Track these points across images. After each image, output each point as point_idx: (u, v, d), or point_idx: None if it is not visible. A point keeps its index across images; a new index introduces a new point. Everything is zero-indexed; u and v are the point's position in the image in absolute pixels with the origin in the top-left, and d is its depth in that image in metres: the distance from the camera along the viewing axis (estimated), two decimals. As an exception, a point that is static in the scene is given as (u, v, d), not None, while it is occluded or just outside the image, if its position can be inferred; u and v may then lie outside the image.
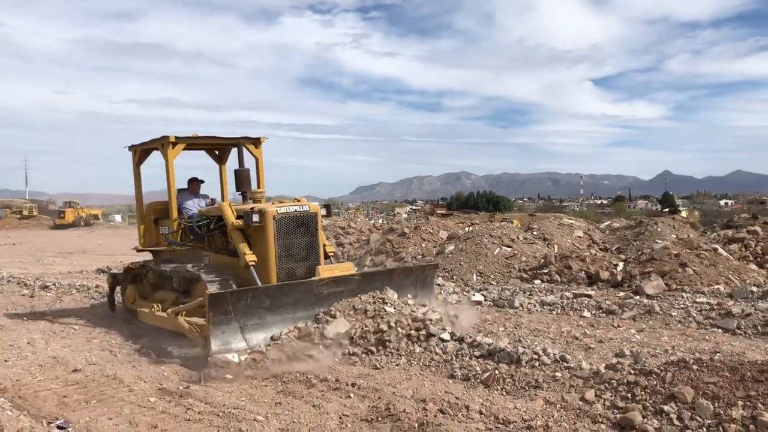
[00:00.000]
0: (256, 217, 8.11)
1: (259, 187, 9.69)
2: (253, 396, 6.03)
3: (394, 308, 7.83)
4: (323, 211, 8.98)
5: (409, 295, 8.52)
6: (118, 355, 7.97)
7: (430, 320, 7.66)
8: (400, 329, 7.43)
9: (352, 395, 5.96)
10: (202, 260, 9.04)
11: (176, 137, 9.45)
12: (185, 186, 10.39)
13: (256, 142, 10.26)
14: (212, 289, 7.84)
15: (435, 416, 5.31)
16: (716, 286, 11.72)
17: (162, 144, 9.61)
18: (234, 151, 10.40)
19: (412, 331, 7.46)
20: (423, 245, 20.08)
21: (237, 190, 9.38)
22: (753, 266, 13.55)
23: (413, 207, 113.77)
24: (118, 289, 11.18)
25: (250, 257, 8.12)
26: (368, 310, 7.73)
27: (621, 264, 13.82)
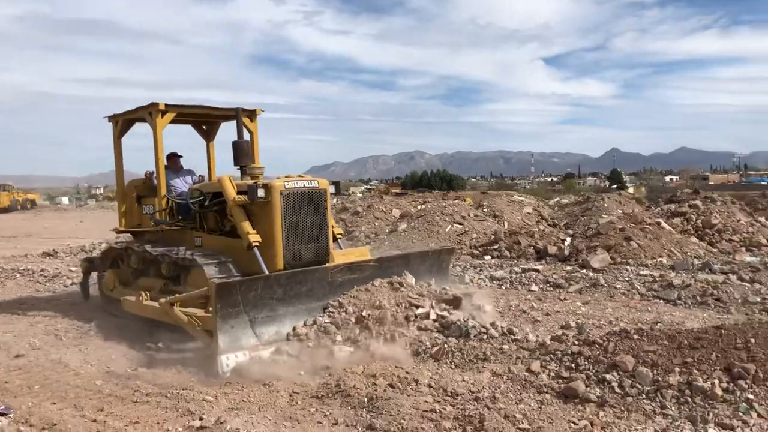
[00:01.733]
0: (261, 192, 7.32)
1: (255, 162, 8.74)
2: (200, 377, 5.98)
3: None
4: (332, 189, 8.16)
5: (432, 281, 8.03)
6: (64, 339, 7.79)
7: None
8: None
9: (302, 372, 5.98)
10: (193, 242, 8.31)
11: (167, 105, 8.53)
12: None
13: (252, 114, 9.45)
14: (211, 274, 7.20)
15: (385, 391, 5.36)
16: (659, 259, 12.11)
17: (150, 113, 8.63)
18: (222, 127, 10.03)
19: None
20: (376, 224, 20.17)
21: (235, 164, 8.55)
22: (694, 239, 14.03)
23: (368, 186, 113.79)
24: (93, 275, 10.20)
25: (254, 237, 7.30)
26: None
27: (568, 239, 14.13)
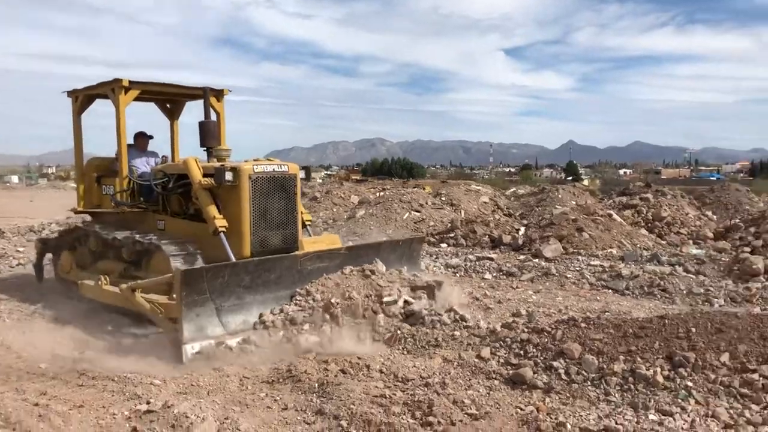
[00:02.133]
0: (229, 176, 7.05)
1: (221, 144, 8.40)
2: (149, 361, 5.90)
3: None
4: (302, 174, 7.93)
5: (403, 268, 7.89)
6: (8, 321, 7.59)
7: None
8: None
9: (255, 358, 5.94)
10: (156, 225, 8.03)
11: (130, 81, 8.19)
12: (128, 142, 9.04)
13: (219, 94, 9.11)
14: (176, 262, 6.93)
15: (336, 376, 5.38)
16: (609, 250, 12.39)
17: (113, 89, 8.26)
18: (187, 106, 9.74)
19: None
20: (334, 210, 20.15)
21: (202, 145, 8.21)
22: (644, 231, 14.40)
23: (328, 172, 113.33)
24: (48, 256, 9.83)
25: (221, 222, 7.07)
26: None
27: (523, 229, 14.34)
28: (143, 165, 8.77)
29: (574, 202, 18.10)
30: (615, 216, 14.32)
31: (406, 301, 7.10)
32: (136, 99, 8.56)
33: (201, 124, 8.18)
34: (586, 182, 50.79)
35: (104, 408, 4.68)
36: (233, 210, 7.18)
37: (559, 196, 19.41)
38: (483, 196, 20.91)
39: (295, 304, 6.65)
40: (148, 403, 4.68)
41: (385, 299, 6.99)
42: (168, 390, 5.13)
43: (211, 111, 8.52)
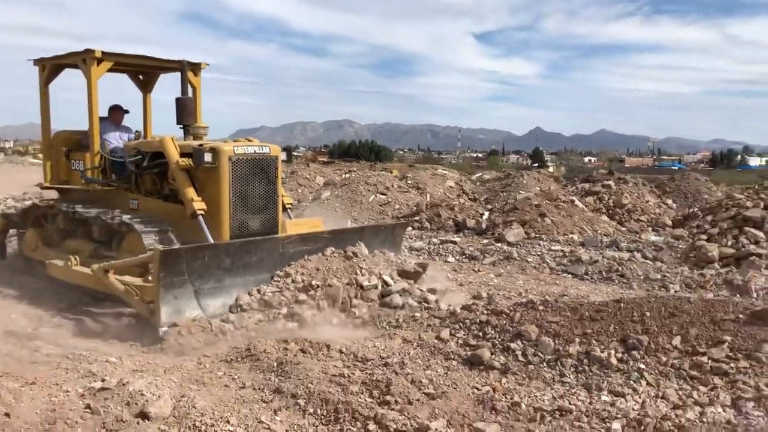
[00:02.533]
0: (208, 157, 6.79)
1: (198, 122, 8.06)
2: (105, 338, 5.82)
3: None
4: (283, 156, 7.70)
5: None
6: (-41, 298, 7.41)
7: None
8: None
9: (229, 342, 5.87)
10: (128, 205, 7.68)
11: (103, 52, 7.80)
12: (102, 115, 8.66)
13: (196, 68, 8.71)
14: (149, 241, 6.70)
15: (295, 356, 5.37)
16: (571, 235, 12.59)
17: (84, 60, 7.87)
18: (161, 79, 9.43)
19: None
20: (299, 191, 20.04)
21: (178, 123, 7.87)
22: (605, 217, 14.65)
23: (295, 153, 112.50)
24: (11, 233, 9.54)
25: (199, 205, 6.82)
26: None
27: (487, 213, 14.47)
28: (116, 140, 8.45)
29: (538, 188, 18.29)
30: (577, 202, 14.54)
31: (385, 283, 7.05)
32: (113, 69, 8.27)
33: (178, 101, 7.84)
34: (551, 169, 51.37)
35: (57, 385, 4.60)
36: (212, 192, 6.96)
37: (524, 181, 19.61)
38: (449, 180, 21.02)
39: (274, 286, 6.52)
40: (102, 380, 4.61)
41: (365, 284, 6.93)
42: (124, 368, 5.07)
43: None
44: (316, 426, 4.22)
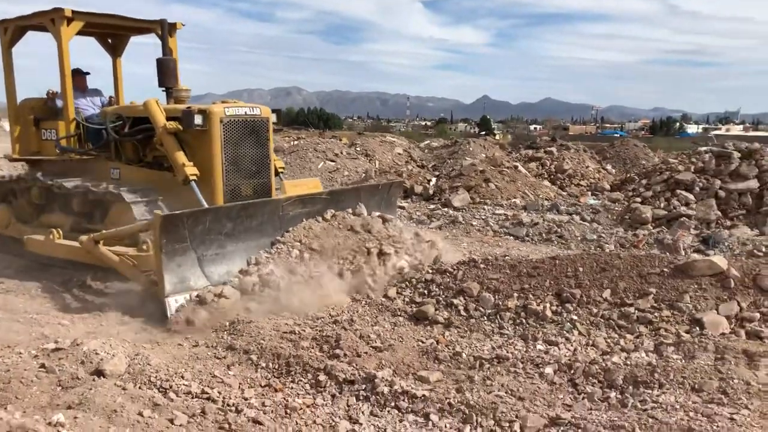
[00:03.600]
0: (198, 119, 6.50)
1: (179, 84, 7.60)
2: (57, 304, 5.86)
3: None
4: (273, 118, 7.38)
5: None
6: None
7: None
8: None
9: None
10: (109, 174, 7.33)
11: (73, 11, 7.32)
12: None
13: (172, 28, 8.22)
14: (139, 211, 6.45)
15: (247, 315, 5.53)
16: (514, 200, 12.99)
17: (53, 20, 7.39)
18: (131, 42, 9.05)
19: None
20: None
21: (161, 85, 7.49)
22: (546, 182, 15.13)
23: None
24: None
25: (191, 170, 6.52)
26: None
27: (434, 179, 14.76)
28: (88, 106, 8.09)
29: (483, 155, 18.66)
30: (521, 168, 14.96)
31: (382, 252, 6.77)
32: (83, 32, 7.88)
33: (159, 62, 7.48)
34: (498, 137, 52.06)
35: (9, 348, 4.65)
36: (203, 157, 6.68)
37: (470, 148, 19.94)
38: (397, 147, 21.21)
39: (277, 255, 6.20)
40: (56, 342, 4.69)
41: (385, 249, 6.70)
42: (77, 330, 5.16)
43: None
44: (269, 378, 4.42)
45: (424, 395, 4.03)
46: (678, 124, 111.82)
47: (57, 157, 7.82)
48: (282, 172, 7.95)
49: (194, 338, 5.08)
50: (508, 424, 3.70)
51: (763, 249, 8.34)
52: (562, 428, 3.62)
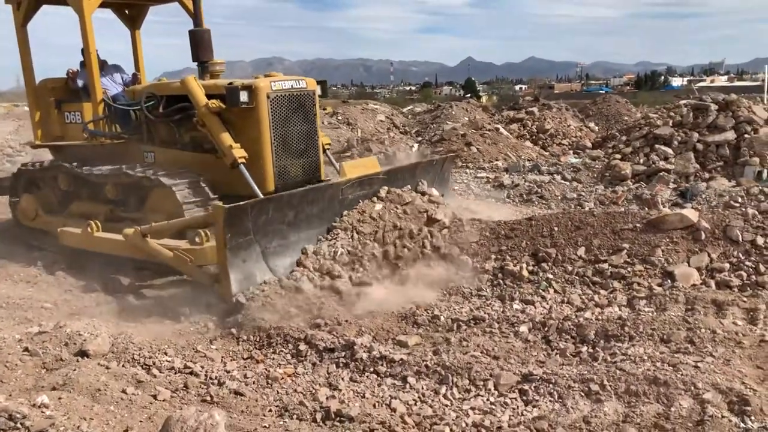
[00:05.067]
0: (244, 96, 5.97)
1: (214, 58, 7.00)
2: (40, 287, 5.91)
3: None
4: (318, 90, 6.78)
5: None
6: None
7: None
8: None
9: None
10: (143, 158, 6.85)
11: None
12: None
13: None
14: (183, 195, 5.99)
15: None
16: (496, 162, 13.06)
17: None
18: (150, 11, 8.55)
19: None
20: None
21: (195, 59, 6.89)
22: (528, 143, 15.17)
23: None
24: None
25: (239, 152, 5.99)
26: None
27: (416, 145, 14.78)
28: (111, 85, 7.49)
29: (466, 119, 18.66)
30: (502, 130, 14.99)
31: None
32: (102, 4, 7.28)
33: (193, 34, 6.86)
34: (484, 99, 51.88)
35: (-6, 333, 4.73)
36: (250, 137, 6.15)
37: (453, 112, 19.91)
38: (379, 114, 21.14)
39: (338, 243, 5.73)
40: (39, 325, 4.77)
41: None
42: (60, 313, 5.23)
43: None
44: (250, 350, 4.52)
45: (402, 359, 4.13)
46: (663, 77, 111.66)
47: (85, 141, 7.27)
48: (328, 149, 7.43)
49: (178, 316, 5.15)
50: (482, 383, 3.82)
51: (739, 200, 8.46)
52: (534, 384, 3.74)
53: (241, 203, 5.11)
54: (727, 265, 5.30)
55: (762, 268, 5.16)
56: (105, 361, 4.17)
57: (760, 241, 5.43)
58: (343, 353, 4.32)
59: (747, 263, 5.29)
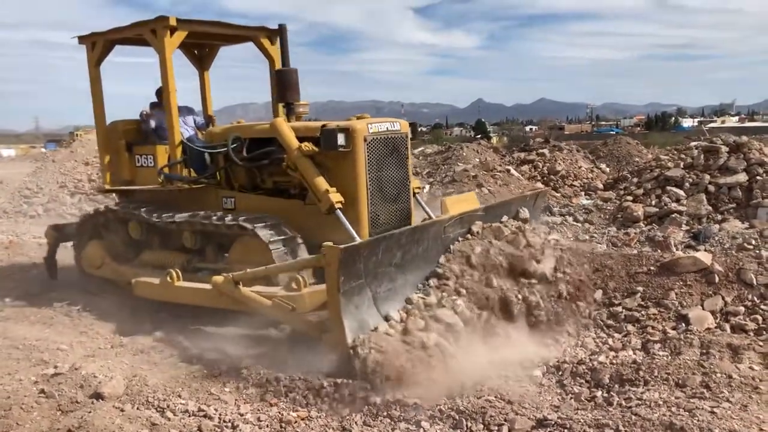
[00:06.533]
0: (341, 139, 5.69)
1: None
2: (56, 329, 5.96)
3: None
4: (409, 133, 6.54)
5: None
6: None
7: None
8: None
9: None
10: (221, 204, 6.57)
11: (178, 20, 6.53)
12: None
13: (273, 36, 7.45)
14: (275, 245, 5.70)
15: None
16: (507, 204, 13.08)
17: (153, 30, 6.61)
18: (219, 53, 8.44)
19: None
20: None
21: (281, 101, 6.76)
22: (540, 185, 15.20)
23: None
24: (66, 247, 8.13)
25: (336, 197, 5.65)
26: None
27: (427, 186, 14.86)
28: (183, 128, 7.24)
29: (477, 160, 18.78)
30: (513, 171, 15.07)
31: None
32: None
33: (280, 74, 6.70)
34: (494, 140, 52.26)
35: (10, 375, 4.76)
36: (344, 181, 5.83)
37: (464, 153, 20.04)
38: (391, 156, 21.33)
39: (441, 291, 5.14)
40: (55, 367, 4.80)
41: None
42: (75, 354, 5.25)
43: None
44: (263, 393, 4.52)
45: (415, 403, 4.12)
46: (673, 118, 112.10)
47: (158, 187, 6.94)
48: (418, 193, 7.06)
49: (192, 359, 5.17)
50: (496, 428, 3.80)
51: (753, 242, 8.43)
52: (548, 429, 3.71)
53: (355, 243, 4.80)
54: (742, 309, 5.29)
55: (778, 311, 5.15)
56: (120, 404, 4.18)
57: (774, 284, 5.42)
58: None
59: (762, 307, 5.27)
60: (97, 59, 7.36)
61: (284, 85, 6.66)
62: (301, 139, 5.96)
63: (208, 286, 5.53)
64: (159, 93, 7.29)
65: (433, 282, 5.20)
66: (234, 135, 6.42)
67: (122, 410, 4.06)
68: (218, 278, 5.41)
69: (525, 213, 6.51)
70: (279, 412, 4.18)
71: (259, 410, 4.23)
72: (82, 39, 7.36)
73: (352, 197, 5.81)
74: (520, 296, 5.39)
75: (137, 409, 4.15)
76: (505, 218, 6.15)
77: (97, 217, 7.46)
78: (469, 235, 5.72)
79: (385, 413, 4.08)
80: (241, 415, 4.13)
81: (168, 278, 5.94)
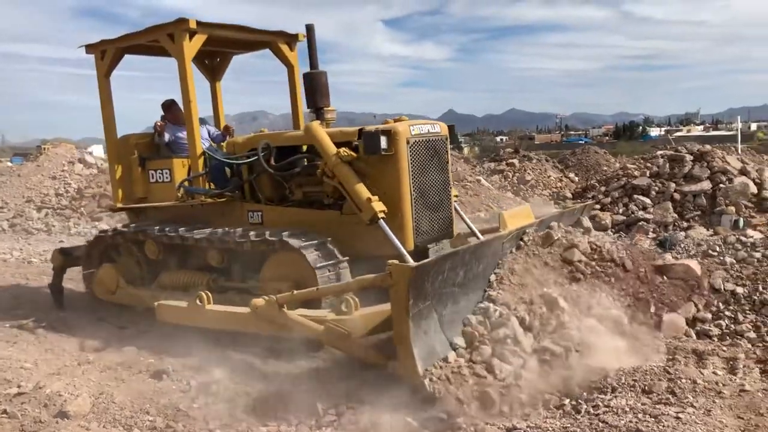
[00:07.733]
0: (384, 142, 5.32)
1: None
2: (20, 347, 5.84)
3: None
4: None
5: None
6: None
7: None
8: None
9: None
10: (246, 218, 6.16)
11: (198, 23, 6.16)
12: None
13: (292, 41, 7.20)
14: (312, 259, 5.27)
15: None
16: (478, 213, 13.22)
17: (171, 35, 6.22)
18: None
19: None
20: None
21: (311, 105, 6.31)
22: (510, 194, 15.42)
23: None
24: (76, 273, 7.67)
25: (379, 206, 5.26)
26: None
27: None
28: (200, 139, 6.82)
29: (448, 170, 18.99)
30: (483, 181, 15.23)
31: None
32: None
33: (308, 77, 6.28)
34: (466, 150, 52.61)
35: (-29, 396, 4.65)
36: (386, 188, 5.45)
37: (435, 164, 20.25)
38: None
39: (501, 317, 4.52)
40: (18, 386, 4.69)
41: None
42: (39, 373, 5.14)
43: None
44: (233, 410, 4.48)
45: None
46: (641, 128, 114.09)
47: (176, 203, 6.52)
48: (457, 201, 6.73)
49: (160, 374, 5.10)
50: (466, 438, 3.81)
51: (717, 249, 8.60)
52: (518, 438, 3.73)
53: (426, 261, 4.25)
54: (710, 315, 5.38)
55: (740, 317, 5.25)
56: (86, 422, 4.11)
57: (739, 290, 5.54)
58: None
59: (726, 312, 5.38)
60: (107, 69, 6.99)
61: (314, 89, 6.27)
62: (337, 145, 5.61)
63: (245, 310, 5.06)
64: (165, 106, 7.12)
65: (495, 305, 4.63)
66: (264, 142, 6.05)
67: (88, 429, 3.99)
68: (258, 301, 4.91)
69: (587, 222, 6.28)
70: (248, 427, 4.14)
71: (228, 426, 4.19)
72: (89, 48, 7.00)
73: (395, 205, 5.44)
74: None
75: (103, 427, 4.08)
76: (553, 224, 5.68)
77: (107, 238, 6.93)
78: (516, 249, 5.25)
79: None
80: (210, 431, 4.08)
81: (198, 301, 5.34)
